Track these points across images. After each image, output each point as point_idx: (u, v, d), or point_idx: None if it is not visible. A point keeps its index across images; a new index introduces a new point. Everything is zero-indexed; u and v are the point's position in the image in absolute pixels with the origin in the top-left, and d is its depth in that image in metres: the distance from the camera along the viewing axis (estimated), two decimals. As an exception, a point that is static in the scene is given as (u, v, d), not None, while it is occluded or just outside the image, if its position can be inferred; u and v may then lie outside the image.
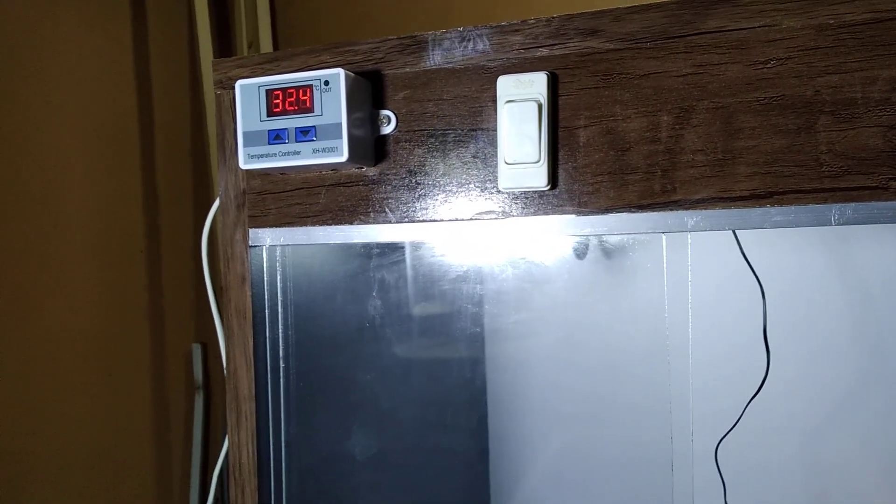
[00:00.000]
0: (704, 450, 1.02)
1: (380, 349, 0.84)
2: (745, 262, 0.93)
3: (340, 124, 0.64)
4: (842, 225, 0.57)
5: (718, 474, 0.99)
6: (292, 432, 0.75)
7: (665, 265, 0.67)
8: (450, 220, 0.67)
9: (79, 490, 1.33)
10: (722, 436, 0.99)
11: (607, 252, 0.95)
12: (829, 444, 1.07)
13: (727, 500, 1.00)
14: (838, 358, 1.06)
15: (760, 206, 0.59)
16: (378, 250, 0.87)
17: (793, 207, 0.58)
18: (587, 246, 1.04)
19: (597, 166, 0.63)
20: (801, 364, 1.07)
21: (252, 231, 0.73)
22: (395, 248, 0.90)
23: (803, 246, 1.06)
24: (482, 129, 0.66)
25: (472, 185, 0.67)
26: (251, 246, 0.73)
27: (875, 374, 1.05)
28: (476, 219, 0.66)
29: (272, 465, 0.75)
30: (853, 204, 0.56)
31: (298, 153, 0.65)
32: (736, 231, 0.92)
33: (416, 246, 0.90)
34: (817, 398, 1.07)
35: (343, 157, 0.64)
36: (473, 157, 0.66)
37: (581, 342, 1.06)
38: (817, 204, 0.57)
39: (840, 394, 1.07)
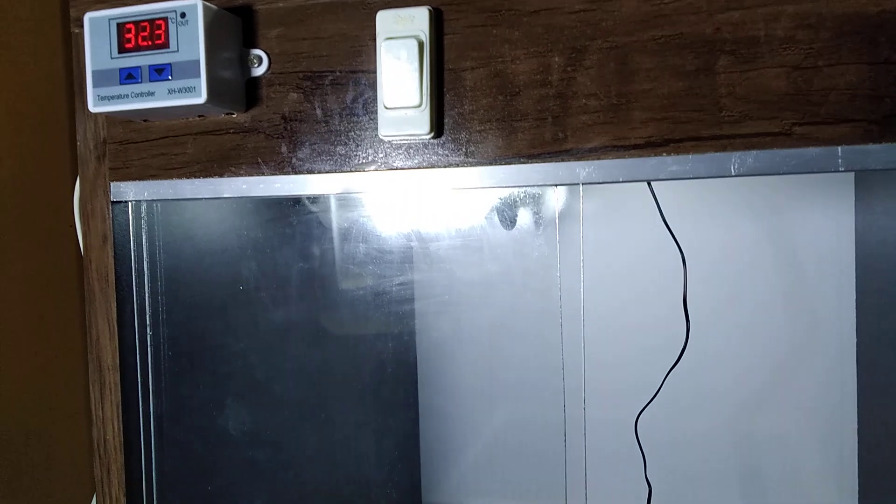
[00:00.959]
0: (624, 421, 0.98)
1: (257, 315, 0.78)
2: (669, 230, 0.89)
3: (198, 61, 0.57)
4: (743, 175, 0.52)
5: (639, 447, 0.96)
6: (164, 406, 0.69)
7: (557, 221, 0.62)
8: (328, 172, 0.61)
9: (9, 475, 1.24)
10: (642, 408, 0.95)
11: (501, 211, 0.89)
12: (761, 418, 1.04)
13: (647, 473, 0.96)
14: (770, 330, 1.03)
15: (656, 155, 0.53)
16: (253, 205, 0.80)
17: (690, 156, 0.53)
18: (514, 211, 0.98)
19: (484, 112, 0.57)
20: (731, 336, 1.04)
21: (114, 185, 0.66)
22: (274, 204, 0.83)
23: (732, 217, 1.02)
24: (363, 72, 0.60)
25: (351, 134, 0.60)
26: (113, 202, 0.66)
27: (808, 347, 1.02)
28: (356, 170, 0.60)
29: (142, 442, 0.68)
30: (754, 151, 0.51)
31: (153, 94, 0.58)
32: (655, 194, 0.87)
33: (295, 201, 0.84)
34: (748, 370, 1.04)
35: (201, 97, 0.57)
36: (353, 101, 0.60)
37: (475, 304, 1.01)
38: (716, 152, 0.52)
39: (772, 366, 1.04)
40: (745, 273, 1.04)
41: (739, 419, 1.05)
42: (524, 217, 0.88)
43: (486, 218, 0.88)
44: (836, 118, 0.50)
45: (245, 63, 0.62)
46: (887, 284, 0.88)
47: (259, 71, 0.62)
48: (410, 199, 0.88)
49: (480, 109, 0.57)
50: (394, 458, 1.02)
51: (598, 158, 0.55)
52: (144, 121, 0.65)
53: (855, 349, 0.99)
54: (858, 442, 0.99)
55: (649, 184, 0.77)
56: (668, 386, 1.01)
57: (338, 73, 0.60)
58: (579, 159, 0.55)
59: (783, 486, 1.03)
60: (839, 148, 0.50)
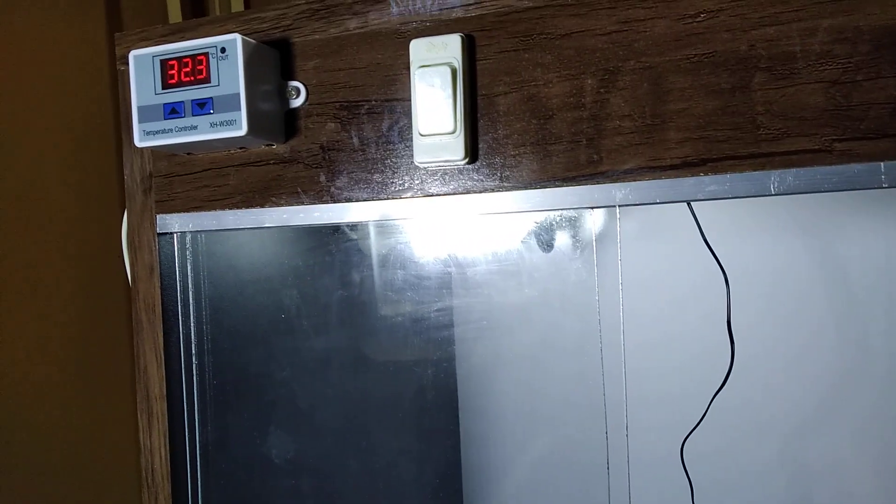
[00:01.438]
0: (671, 449, 0.96)
1: (299, 343, 0.79)
2: (715, 249, 0.88)
3: (238, 94, 0.58)
4: (783, 194, 0.51)
5: (686, 475, 0.93)
6: (210, 435, 0.70)
7: (594, 244, 0.61)
8: (366, 200, 0.62)
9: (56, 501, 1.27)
10: (686, 434, 0.93)
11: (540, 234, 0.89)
12: (813, 445, 1.01)
13: (695, 502, 0.94)
14: (821, 354, 1.00)
15: (693, 175, 0.53)
16: (295, 234, 0.81)
17: (728, 176, 0.52)
18: (552, 234, 0.98)
19: (518, 136, 0.57)
20: (779, 359, 1.01)
21: (160, 217, 0.68)
22: (314, 232, 0.84)
23: (777, 237, 1.00)
24: (398, 100, 0.61)
25: (388, 161, 0.61)
26: (159, 233, 0.68)
27: (861, 371, 0.99)
28: (393, 197, 0.61)
29: (188, 470, 0.69)
30: (794, 170, 0.51)
31: (196, 128, 0.60)
32: (696, 215, 0.86)
33: (335, 229, 0.85)
34: (800, 396, 1.01)
35: (242, 130, 0.58)
36: (389, 129, 0.61)
37: (514, 328, 1.01)
38: (754, 171, 0.51)
39: (824, 391, 1.00)
40: (792, 294, 1.01)
41: (790, 445, 1.02)
42: (562, 239, 0.88)
43: (522, 242, 0.88)
44: (877, 133, 0.49)
45: (283, 95, 0.63)
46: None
47: (297, 102, 0.63)
48: (448, 225, 0.88)
49: (514, 134, 0.57)
50: (435, 485, 1.02)
51: (635, 180, 0.54)
52: (188, 154, 0.67)
53: None
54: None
55: (689, 204, 0.76)
56: (716, 412, 0.99)
57: (373, 102, 0.61)
58: (615, 181, 0.55)
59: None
60: (882, 164, 0.49)
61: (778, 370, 1.01)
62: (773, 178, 0.51)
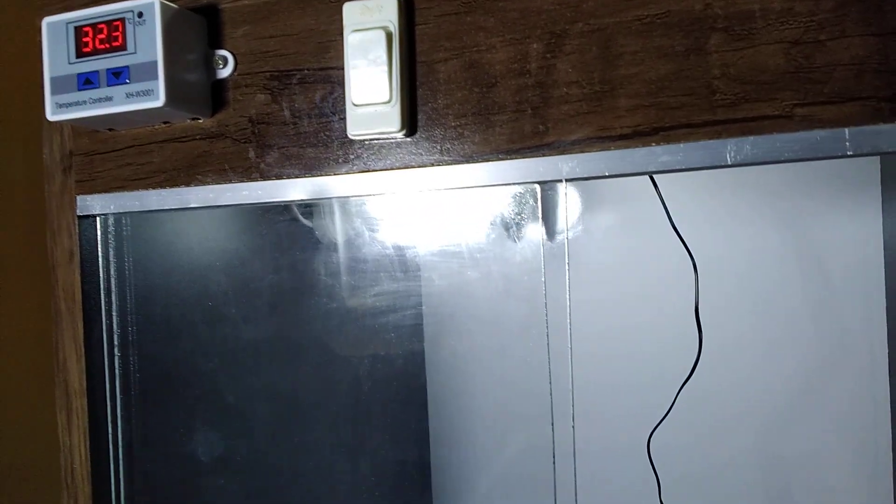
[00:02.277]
0: (639, 442, 0.92)
1: (230, 333, 0.74)
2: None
3: (156, 63, 0.54)
4: (741, 165, 0.47)
5: (652, 468, 0.90)
6: (134, 432, 0.65)
7: (541, 220, 0.57)
8: (298, 177, 0.57)
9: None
10: (654, 426, 0.89)
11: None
12: (791, 436, 0.97)
13: (662, 496, 0.90)
14: (796, 341, 0.96)
15: (645, 146, 0.49)
16: (229, 214, 0.76)
17: (682, 145, 0.48)
18: (519, 217, 0.93)
19: (459, 106, 0.53)
20: (754, 348, 0.97)
21: (80, 198, 0.63)
22: (253, 211, 0.79)
23: (750, 221, 0.96)
24: (332, 68, 0.56)
25: (321, 135, 0.57)
26: (80, 216, 0.63)
27: (839, 360, 0.95)
28: (327, 174, 0.56)
29: (111, 470, 0.64)
30: (752, 137, 0.47)
31: (111, 99, 0.55)
32: (662, 195, 0.82)
33: (268, 208, 0.80)
34: (777, 386, 0.97)
35: (160, 101, 0.54)
36: (322, 100, 0.56)
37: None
38: (710, 139, 0.47)
39: (802, 381, 0.97)
40: (766, 281, 0.98)
41: (767, 437, 0.98)
42: (510, 218, 0.83)
43: (471, 221, 0.84)
44: (841, 97, 0.45)
45: (210, 64, 0.59)
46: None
47: (225, 72, 0.59)
48: (388, 203, 0.84)
49: (455, 104, 0.53)
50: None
51: (583, 151, 0.50)
52: (110, 130, 0.62)
53: (887, 361, 0.92)
54: (893, 458, 0.92)
55: (653, 180, 0.72)
56: (688, 404, 0.95)
57: (306, 71, 0.57)
58: (562, 153, 0.51)
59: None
60: (846, 130, 0.45)
61: (755, 359, 0.97)
62: (730, 146, 0.47)
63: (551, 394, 0.52)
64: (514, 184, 0.52)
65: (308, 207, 0.83)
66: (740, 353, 0.97)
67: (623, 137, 0.49)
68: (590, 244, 1.00)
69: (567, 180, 0.51)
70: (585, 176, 0.50)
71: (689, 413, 0.97)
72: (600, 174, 0.50)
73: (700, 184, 0.97)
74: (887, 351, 0.93)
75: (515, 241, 0.90)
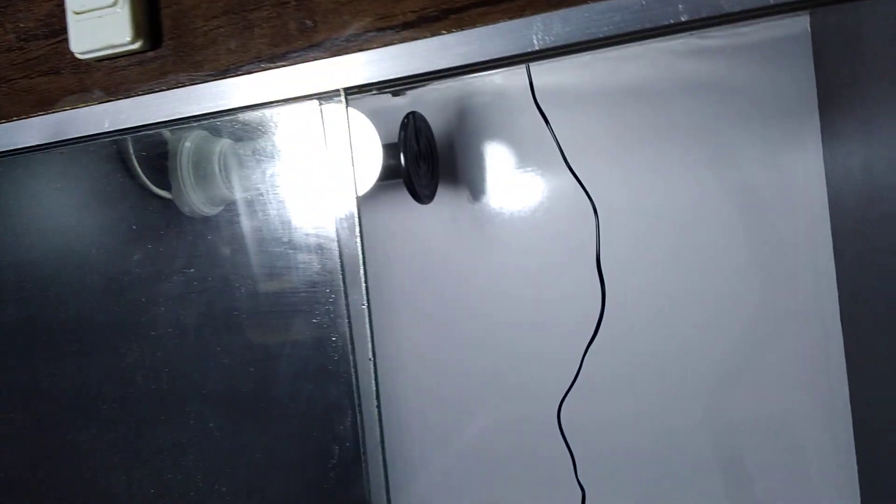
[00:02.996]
0: (548, 413, 0.81)
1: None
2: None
3: None
4: (550, 50, 0.35)
5: (565, 443, 0.79)
6: None
7: (326, 143, 0.45)
8: (27, 116, 0.45)
9: None
10: (563, 396, 0.78)
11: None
12: (741, 397, 0.85)
13: (579, 474, 0.80)
14: (743, 296, 0.84)
15: (434, 35, 0.37)
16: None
17: (477, 31, 0.36)
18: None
19: (209, 6, 0.41)
20: (694, 302, 0.85)
21: None
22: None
23: (694, 167, 0.84)
24: (59, -27, 0.44)
25: (53, 60, 0.44)
26: None
27: (784, 307, 0.83)
28: (62, 109, 0.44)
29: None
30: (562, 11, 0.35)
31: None
32: (555, 134, 0.71)
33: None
34: (725, 342, 0.85)
35: None
36: (50, 14, 0.44)
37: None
38: (511, 19, 0.36)
39: (750, 335, 0.84)
40: (702, 227, 0.85)
41: (715, 400, 0.86)
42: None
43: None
44: (672, -55, 0.33)
45: None
46: (859, 224, 0.71)
47: (-71, -13, 0.46)
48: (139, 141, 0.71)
49: (204, 3, 0.41)
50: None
51: (360, 49, 0.38)
52: None
53: (838, 307, 0.80)
54: (852, 407, 0.81)
55: (541, 111, 0.61)
56: (630, 369, 0.85)
57: (27, -21, 0.44)
58: (336, 54, 0.39)
59: (773, 472, 0.85)
60: (679, -12, 0.33)
61: (692, 313, 0.85)
62: (536, 27, 0.35)
63: (353, 368, 0.41)
64: (275, 104, 0.40)
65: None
66: (680, 309, 0.85)
67: (407, 26, 0.37)
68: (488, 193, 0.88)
69: (348, 94, 0.39)
70: (366, 82, 0.39)
71: (637, 378, 0.86)
72: (384, 78, 0.38)
73: (606, 113, 0.85)
74: (837, 296, 0.81)
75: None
